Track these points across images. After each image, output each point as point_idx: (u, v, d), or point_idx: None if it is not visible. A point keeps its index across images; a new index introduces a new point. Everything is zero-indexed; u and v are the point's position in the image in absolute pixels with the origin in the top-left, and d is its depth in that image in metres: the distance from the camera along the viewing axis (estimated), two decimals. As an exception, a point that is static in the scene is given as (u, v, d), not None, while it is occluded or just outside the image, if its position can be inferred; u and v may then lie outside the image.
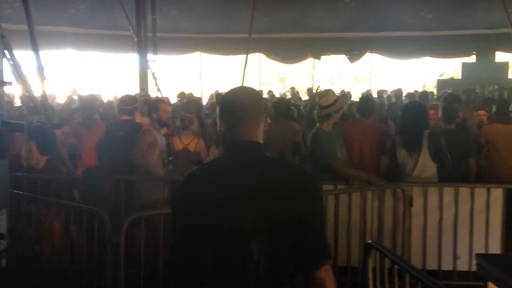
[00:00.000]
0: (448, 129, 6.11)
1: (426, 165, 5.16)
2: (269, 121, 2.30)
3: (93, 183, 5.51)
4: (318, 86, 10.54)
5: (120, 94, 13.19)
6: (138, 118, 6.84)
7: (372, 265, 3.33)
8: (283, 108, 6.98)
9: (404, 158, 5.23)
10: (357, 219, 5.06)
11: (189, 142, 6.44)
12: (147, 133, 5.64)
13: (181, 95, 12.83)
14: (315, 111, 5.49)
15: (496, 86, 12.95)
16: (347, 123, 6.31)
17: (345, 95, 11.50)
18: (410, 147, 5.19)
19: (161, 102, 6.15)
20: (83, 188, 5.60)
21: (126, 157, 5.68)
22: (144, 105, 6.62)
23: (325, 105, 5.27)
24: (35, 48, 6.00)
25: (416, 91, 14.44)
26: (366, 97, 7.52)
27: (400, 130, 5.42)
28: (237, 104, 2.06)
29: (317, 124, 5.40)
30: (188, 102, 8.72)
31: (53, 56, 17.80)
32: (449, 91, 12.73)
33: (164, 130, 6.37)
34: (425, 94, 11.62)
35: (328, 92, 5.61)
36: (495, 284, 2.80)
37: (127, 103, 6.19)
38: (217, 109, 2.14)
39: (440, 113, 6.19)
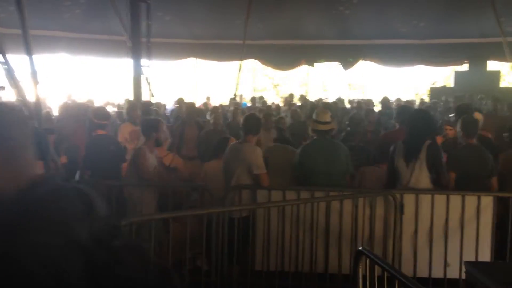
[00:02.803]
0: (469, 144, 5.46)
1: (421, 176, 5.15)
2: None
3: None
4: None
5: (106, 99, 13.16)
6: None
7: (362, 272, 3.35)
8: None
9: (401, 167, 5.22)
10: (348, 226, 5.08)
11: (164, 155, 6.19)
12: (142, 152, 5.41)
13: (180, 101, 12.90)
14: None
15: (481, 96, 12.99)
16: (389, 131, 6.79)
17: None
18: (408, 157, 5.17)
19: (161, 121, 5.93)
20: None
21: (116, 170, 5.64)
22: (142, 123, 6.32)
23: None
24: (29, 52, 5.99)
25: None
26: (404, 106, 7.41)
27: (404, 138, 5.36)
28: None
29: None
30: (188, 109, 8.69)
31: (47, 60, 17.82)
32: (443, 98, 12.84)
33: (163, 151, 6.16)
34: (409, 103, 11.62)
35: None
36: (483, 291, 2.82)
37: (102, 118, 6.02)
38: None
39: (458, 127, 5.58)
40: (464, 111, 6.43)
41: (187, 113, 8.45)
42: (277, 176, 5.36)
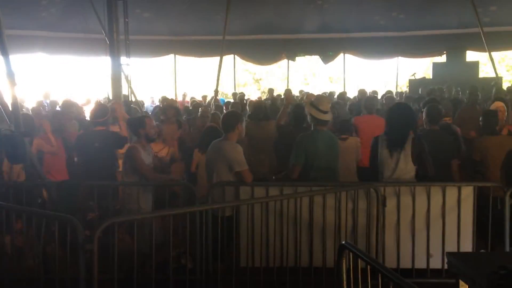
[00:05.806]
0: (432, 129, 6.04)
1: (406, 168, 5.19)
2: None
3: (67, 191, 5.44)
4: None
5: (93, 98, 13.08)
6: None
7: (346, 266, 3.37)
8: (263, 111, 7.10)
9: (385, 158, 5.26)
10: (332, 220, 5.10)
11: (160, 149, 6.36)
12: (135, 150, 5.47)
13: (164, 99, 12.87)
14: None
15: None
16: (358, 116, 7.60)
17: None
18: (393, 148, 5.20)
19: (147, 117, 5.92)
20: (57, 195, 5.53)
21: (103, 168, 5.62)
22: (128, 122, 6.34)
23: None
24: (5, 52, 5.86)
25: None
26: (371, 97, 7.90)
27: (386, 130, 5.38)
28: None
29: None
30: (167, 107, 8.63)
31: (23, 60, 17.55)
32: (420, 92, 12.91)
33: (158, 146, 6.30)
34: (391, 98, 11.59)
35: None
36: (465, 281, 2.86)
37: (99, 116, 6.12)
38: None
39: (424, 116, 6.15)
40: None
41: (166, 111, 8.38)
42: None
